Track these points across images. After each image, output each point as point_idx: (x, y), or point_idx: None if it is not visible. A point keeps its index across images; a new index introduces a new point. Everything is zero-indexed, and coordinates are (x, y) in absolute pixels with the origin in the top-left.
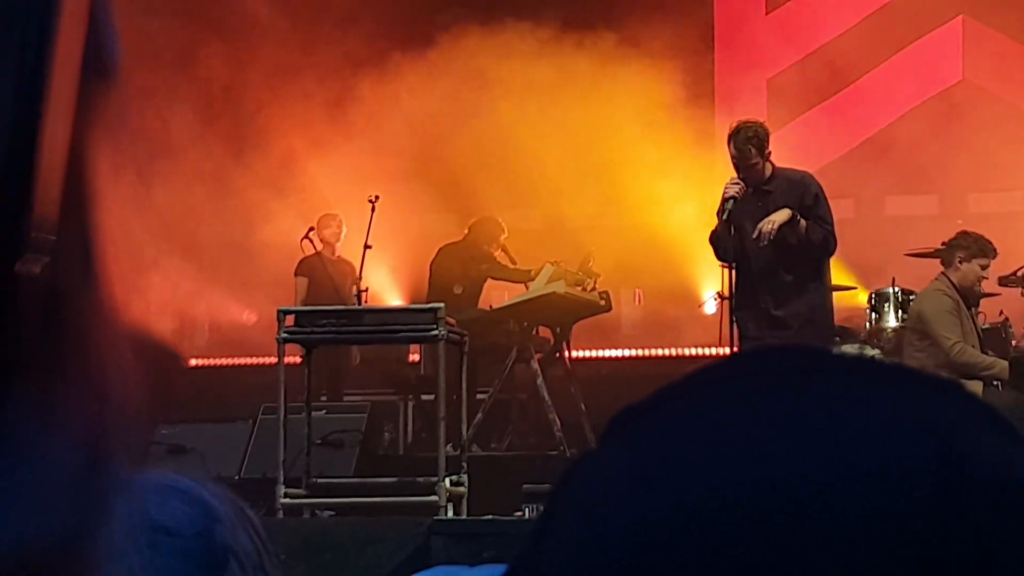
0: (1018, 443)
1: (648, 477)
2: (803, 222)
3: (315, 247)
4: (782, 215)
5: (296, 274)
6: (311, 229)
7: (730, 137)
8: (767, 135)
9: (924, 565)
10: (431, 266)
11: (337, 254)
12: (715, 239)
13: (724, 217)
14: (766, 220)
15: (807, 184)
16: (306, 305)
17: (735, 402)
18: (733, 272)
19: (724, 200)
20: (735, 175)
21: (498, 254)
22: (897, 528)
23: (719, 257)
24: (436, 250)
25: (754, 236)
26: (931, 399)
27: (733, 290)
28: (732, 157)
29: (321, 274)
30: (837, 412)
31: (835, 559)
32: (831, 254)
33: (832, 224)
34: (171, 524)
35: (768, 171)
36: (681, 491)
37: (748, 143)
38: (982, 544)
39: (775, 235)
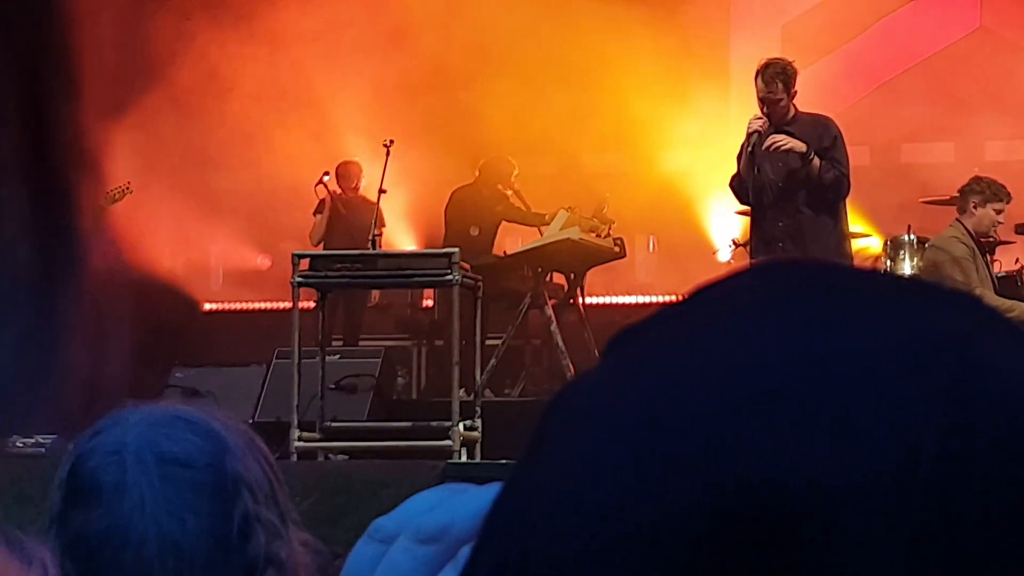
0: None
1: (643, 385)
2: (816, 160)
3: (328, 192)
4: (799, 144)
5: (315, 212)
6: (325, 174)
7: (758, 72)
8: (795, 73)
9: (941, 466)
10: (446, 210)
11: (359, 194)
12: (736, 183)
13: (749, 149)
14: (780, 135)
15: (827, 126)
16: (323, 243)
17: (738, 314)
18: (755, 221)
19: (748, 134)
20: (756, 115)
21: (511, 195)
22: (913, 436)
23: (741, 201)
24: (449, 195)
25: (764, 147)
26: (947, 309)
27: (750, 235)
28: (759, 91)
29: (338, 215)
30: (846, 321)
31: (845, 465)
32: (843, 197)
33: (847, 168)
34: (181, 455)
35: (791, 112)
36: (678, 397)
37: (776, 78)
38: (997, 452)
39: (785, 153)
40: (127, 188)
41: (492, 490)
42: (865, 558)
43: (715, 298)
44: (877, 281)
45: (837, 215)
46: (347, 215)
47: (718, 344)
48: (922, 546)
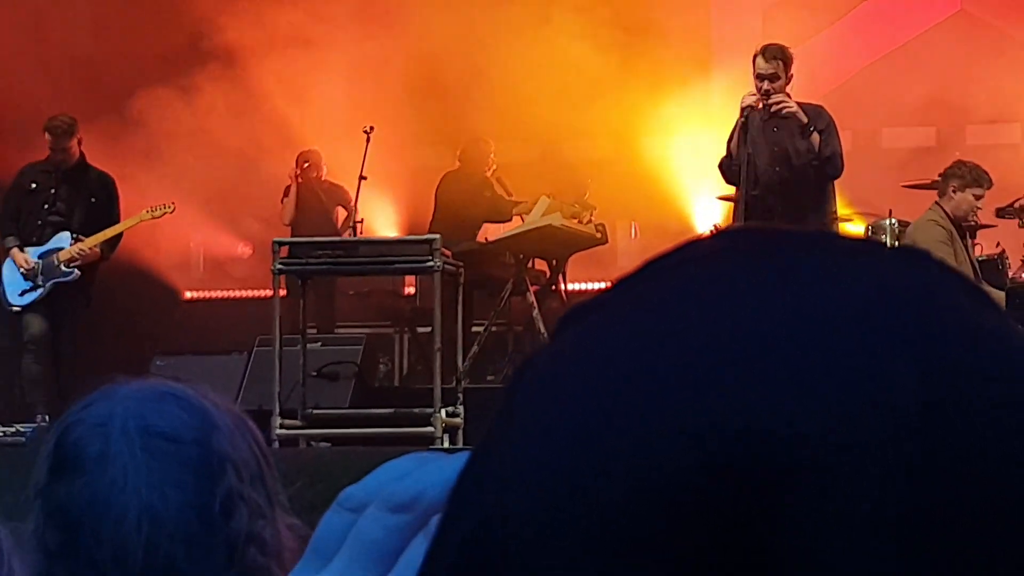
0: (989, 305)
1: (614, 347)
2: (816, 135)
3: (299, 177)
4: (801, 113)
5: (284, 197)
6: (305, 161)
7: (758, 54)
8: (791, 58)
9: (928, 411)
10: (436, 195)
11: (324, 179)
12: (726, 163)
13: (742, 120)
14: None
15: (821, 113)
16: (294, 227)
17: (705, 275)
18: (743, 201)
19: (742, 108)
20: (750, 91)
21: (492, 177)
22: (895, 384)
23: (728, 182)
24: (436, 181)
25: (767, 100)
26: (902, 264)
27: (735, 219)
28: (758, 68)
29: (310, 198)
30: (813, 280)
31: (834, 414)
32: (838, 174)
33: (840, 152)
34: (168, 429)
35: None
36: (652, 353)
37: (776, 56)
38: (976, 396)
39: (785, 120)
40: (169, 207)
41: (462, 458)
42: (862, 505)
43: (676, 265)
44: (833, 242)
45: (825, 197)
46: (326, 201)
47: (689, 303)
48: (916, 491)
